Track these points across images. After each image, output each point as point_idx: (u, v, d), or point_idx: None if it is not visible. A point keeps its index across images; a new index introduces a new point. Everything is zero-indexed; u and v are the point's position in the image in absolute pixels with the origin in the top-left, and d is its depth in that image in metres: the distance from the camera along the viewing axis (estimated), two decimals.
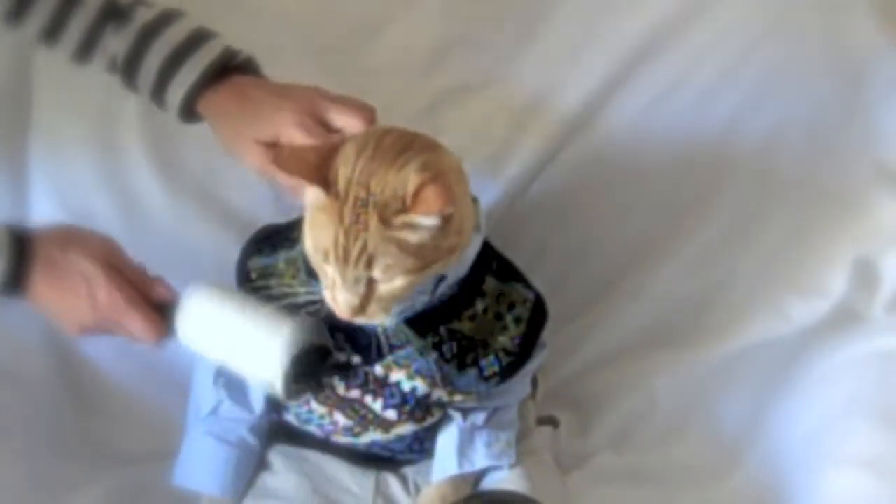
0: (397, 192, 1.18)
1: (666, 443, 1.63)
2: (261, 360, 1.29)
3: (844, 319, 1.68)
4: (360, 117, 1.31)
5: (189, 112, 1.41)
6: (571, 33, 1.68)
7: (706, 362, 1.69)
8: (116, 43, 1.41)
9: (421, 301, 1.30)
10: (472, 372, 1.34)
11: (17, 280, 1.30)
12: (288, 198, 1.37)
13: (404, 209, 1.17)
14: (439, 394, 1.36)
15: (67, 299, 1.32)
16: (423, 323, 1.32)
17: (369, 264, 1.18)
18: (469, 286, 1.32)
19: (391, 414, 1.37)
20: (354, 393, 1.36)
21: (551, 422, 1.59)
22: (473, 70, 1.67)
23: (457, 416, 1.40)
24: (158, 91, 1.41)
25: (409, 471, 1.46)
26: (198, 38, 1.40)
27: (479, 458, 1.40)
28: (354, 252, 1.18)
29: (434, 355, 1.32)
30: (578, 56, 1.67)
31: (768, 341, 1.69)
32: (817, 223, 1.71)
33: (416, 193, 1.17)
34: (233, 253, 1.47)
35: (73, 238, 1.35)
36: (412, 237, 1.18)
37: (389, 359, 1.33)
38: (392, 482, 1.46)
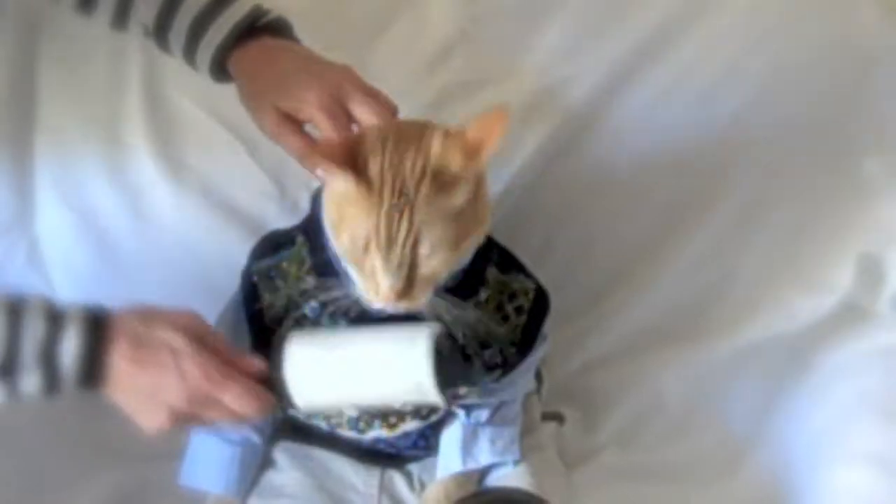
0: (439, 154, 1.20)
1: (672, 439, 1.62)
2: (409, 376, 1.23)
3: (850, 315, 1.68)
4: (381, 113, 1.31)
5: (220, 71, 1.41)
6: (576, 29, 1.69)
7: (712, 358, 1.69)
8: (147, 8, 1.41)
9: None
10: (476, 363, 1.34)
11: (95, 361, 1.20)
12: (296, 156, 1.36)
13: (465, 162, 1.20)
14: None
15: (153, 376, 1.21)
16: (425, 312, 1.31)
17: (416, 244, 1.19)
18: (471, 274, 1.32)
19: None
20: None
21: (557, 418, 1.58)
22: (478, 66, 1.68)
23: (460, 413, 1.40)
24: (189, 52, 1.41)
25: (414, 468, 1.46)
26: None
27: (484, 455, 1.39)
28: (401, 234, 1.18)
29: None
30: (583, 52, 1.68)
31: (774, 337, 1.68)
32: (822, 219, 1.70)
33: (473, 131, 1.20)
34: (238, 250, 1.46)
35: (155, 313, 1.27)
36: (462, 197, 1.20)
37: None
38: (397, 479, 1.46)
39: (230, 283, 1.46)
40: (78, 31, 1.62)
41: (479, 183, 1.24)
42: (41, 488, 1.50)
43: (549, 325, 1.42)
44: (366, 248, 1.20)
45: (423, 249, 1.20)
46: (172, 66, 1.49)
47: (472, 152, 1.20)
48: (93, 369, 1.20)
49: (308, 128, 1.36)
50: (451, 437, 1.40)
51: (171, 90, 1.67)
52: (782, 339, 1.68)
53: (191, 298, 1.62)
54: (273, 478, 1.46)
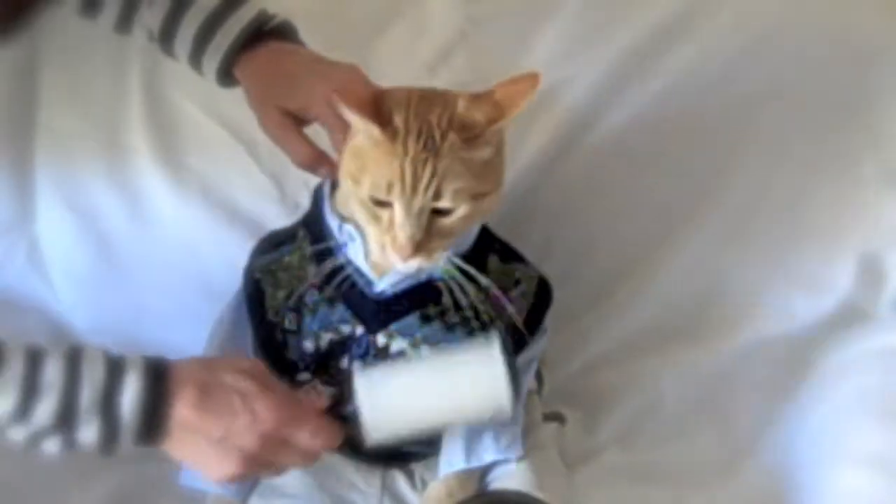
0: (465, 111, 1.23)
1: (673, 440, 1.62)
2: (487, 391, 1.23)
3: (850, 316, 1.68)
4: None
5: (227, 77, 1.42)
6: (576, 29, 1.68)
7: (713, 359, 1.69)
8: (152, 14, 1.41)
9: (425, 270, 1.30)
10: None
11: (157, 410, 1.15)
12: (295, 160, 1.38)
13: (491, 118, 1.22)
14: None
15: (224, 421, 1.17)
16: (426, 293, 1.33)
17: (438, 192, 1.20)
18: (472, 260, 1.32)
19: None
20: (357, 366, 1.35)
21: (558, 418, 1.58)
22: (478, 67, 1.67)
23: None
24: (195, 58, 1.41)
25: (416, 466, 1.46)
26: (232, 3, 1.40)
27: (488, 453, 1.39)
28: (424, 179, 1.20)
29: (438, 324, 1.33)
30: (583, 52, 1.68)
31: (774, 338, 1.68)
32: (822, 219, 1.70)
33: (501, 92, 1.24)
34: (238, 252, 1.47)
35: (216, 360, 1.29)
36: (482, 153, 1.22)
37: (393, 327, 1.33)
38: (399, 478, 1.46)
39: (230, 285, 1.46)
40: (79, 33, 1.62)
41: (499, 144, 1.26)
42: (42, 487, 1.50)
43: (550, 320, 1.43)
44: (389, 192, 1.21)
45: (445, 200, 1.21)
46: (173, 68, 1.49)
47: (499, 109, 1.23)
48: (154, 419, 1.16)
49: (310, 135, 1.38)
50: (453, 435, 1.40)
51: (172, 92, 1.67)
52: (782, 339, 1.68)
53: (191, 300, 1.64)
54: (274, 477, 1.45)
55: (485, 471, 1.42)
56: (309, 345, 1.36)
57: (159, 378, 1.16)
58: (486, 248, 1.37)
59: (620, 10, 1.68)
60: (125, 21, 1.44)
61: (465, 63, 1.68)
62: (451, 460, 1.40)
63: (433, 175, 1.20)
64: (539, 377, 1.56)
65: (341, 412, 1.23)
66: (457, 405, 1.24)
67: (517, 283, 1.39)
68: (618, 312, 1.72)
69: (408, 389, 1.24)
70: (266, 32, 1.41)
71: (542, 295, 1.41)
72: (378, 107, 1.23)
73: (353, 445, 1.42)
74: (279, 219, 1.57)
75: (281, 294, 1.37)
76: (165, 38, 1.42)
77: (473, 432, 1.39)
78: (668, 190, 1.71)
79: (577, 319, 1.71)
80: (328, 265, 1.31)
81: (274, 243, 1.43)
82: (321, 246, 1.33)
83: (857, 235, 1.69)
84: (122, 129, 1.67)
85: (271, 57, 1.40)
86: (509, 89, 1.23)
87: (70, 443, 1.15)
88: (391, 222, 1.22)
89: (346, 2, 1.69)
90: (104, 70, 1.66)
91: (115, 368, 1.16)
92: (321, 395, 1.25)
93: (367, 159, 1.23)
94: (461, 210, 1.22)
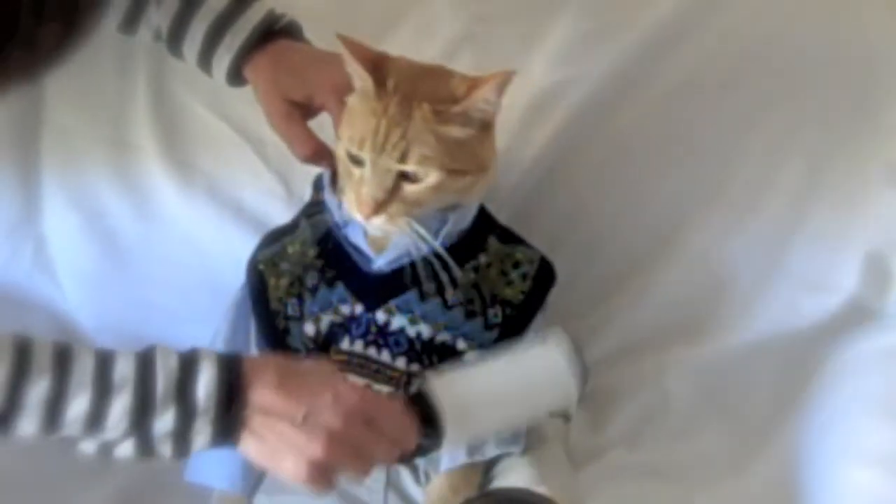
0: (451, 89, 1.29)
1: (679, 439, 1.62)
2: (554, 392, 1.27)
3: (856, 315, 1.67)
4: None
5: (236, 77, 1.43)
6: (582, 29, 1.68)
7: (719, 358, 1.68)
8: (160, 14, 1.42)
9: (422, 247, 1.32)
10: (478, 321, 1.37)
11: (233, 394, 1.13)
12: (297, 152, 1.40)
13: (462, 98, 1.28)
14: (444, 337, 1.37)
15: (305, 399, 1.13)
16: (424, 269, 1.35)
17: (404, 155, 1.25)
18: (471, 238, 1.36)
19: (401, 363, 1.37)
20: (358, 346, 1.37)
21: (562, 415, 1.58)
22: (483, 68, 1.66)
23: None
24: (205, 58, 1.43)
25: (420, 462, 1.46)
26: (241, 3, 1.42)
27: (489, 447, 1.39)
28: (392, 139, 1.25)
29: (437, 300, 1.35)
30: (589, 52, 1.68)
31: (780, 337, 1.68)
32: (829, 218, 1.70)
33: (481, 80, 1.28)
34: (244, 250, 1.48)
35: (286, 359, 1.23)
36: (455, 132, 1.28)
37: (392, 304, 1.35)
38: (404, 474, 1.45)
39: (237, 283, 1.47)
40: None
41: (483, 129, 1.31)
42: (47, 485, 1.50)
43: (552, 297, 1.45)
44: (361, 147, 1.26)
45: (410, 163, 1.25)
46: (180, 66, 1.50)
47: (469, 90, 1.28)
48: (232, 403, 1.13)
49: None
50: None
51: (179, 90, 1.67)
52: (789, 338, 1.67)
53: (197, 298, 1.65)
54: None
55: (488, 465, 1.42)
56: (310, 328, 1.38)
57: (234, 366, 1.14)
58: (486, 229, 1.40)
59: (626, 9, 1.69)
60: (131, 21, 1.44)
61: (471, 63, 1.67)
62: (454, 455, 1.40)
63: (402, 137, 1.25)
64: None
65: (421, 415, 1.21)
66: (531, 402, 1.28)
67: (517, 264, 1.40)
68: (624, 311, 1.72)
69: (484, 389, 1.25)
70: (275, 32, 1.43)
71: (544, 275, 1.42)
72: (378, 65, 1.29)
73: None
74: (286, 217, 1.57)
75: (284, 282, 1.39)
76: (174, 38, 1.43)
77: None
78: (673, 189, 1.71)
79: (583, 318, 1.71)
80: (322, 225, 1.37)
81: (276, 237, 1.46)
82: (320, 230, 1.36)
83: (863, 234, 1.69)
84: (128, 127, 1.67)
85: (279, 53, 1.42)
86: (487, 77, 1.28)
87: (145, 442, 1.13)
88: (361, 179, 1.27)
89: (353, 2, 1.69)
90: (111, 69, 1.66)
91: (188, 358, 1.15)
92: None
93: (353, 114, 1.30)
94: (429, 179, 1.27)
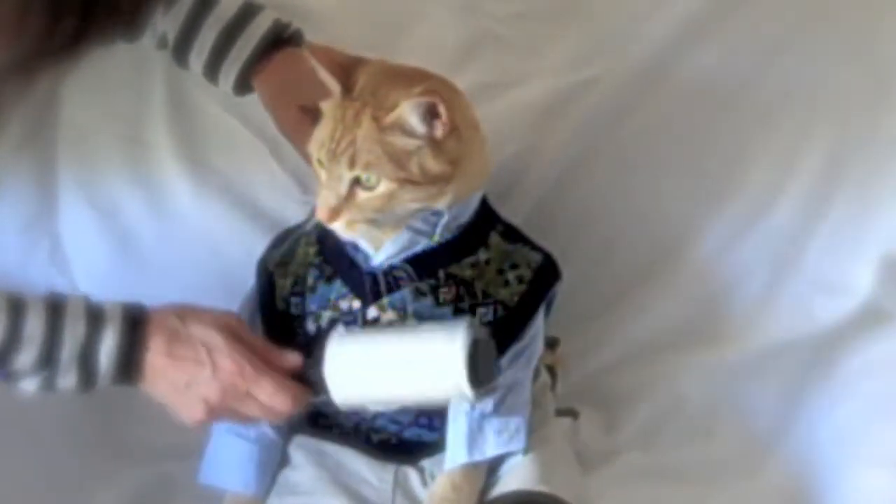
0: (398, 99, 1.26)
1: (693, 441, 1.63)
2: (444, 372, 1.26)
3: (871, 318, 1.67)
4: None
5: (243, 86, 1.45)
6: (598, 30, 1.69)
7: (733, 359, 1.69)
8: (167, 21, 1.43)
9: (421, 242, 1.33)
10: (469, 319, 1.35)
11: (131, 359, 1.26)
12: (308, 160, 1.39)
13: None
14: None
15: (188, 370, 1.28)
16: (422, 266, 1.34)
17: (353, 161, 1.25)
18: (472, 234, 1.36)
19: None
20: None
21: (571, 414, 1.58)
22: (499, 68, 1.67)
23: (465, 403, 1.40)
24: (212, 68, 1.44)
25: (426, 463, 1.46)
26: (248, 13, 1.43)
27: (490, 447, 1.39)
28: (343, 145, 1.26)
29: (429, 299, 1.34)
30: (605, 53, 1.68)
31: (795, 339, 1.68)
32: (844, 220, 1.70)
33: (413, 95, 1.26)
34: (260, 250, 1.48)
35: (191, 311, 1.33)
36: (398, 141, 1.26)
37: (385, 300, 1.35)
38: (411, 475, 1.45)
39: (251, 282, 1.47)
40: None
41: (439, 145, 1.27)
42: (61, 487, 1.51)
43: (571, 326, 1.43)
44: (319, 150, 1.28)
45: (357, 170, 1.25)
46: None
47: (431, 105, 1.25)
48: (128, 368, 1.27)
49: None
50: (456, 430, 1.40)
51: (194, 90, 1.66)
52: (803, 340, 1.68)
53: (212, 297, 1.63)
54: (289, 476, 1.46)
55: (493, 465, 1.42)
56: (311, 325, 1.38)
57: (136, 326, 1.27)
58: (489, 225, 1.39)
59: (644, 11, 1.68)
60: (136, 28, 1.45)
61: (488, 62, 1.68)
62: (455, 455, 1.40)
63: (350, 143, 1.25)
64: (553, 374, 1.56)
65: (310, 376, 1.30)
66: (414, 381, 1.29)
67: (515, 265, 1.39)
68: (637, 313, 1.72)
69: (370, 359, 1.30)
70: (282, 41, 1.44)
71: (543, 278, 1.41)
72: (347, 71, 1.30)
73: (366, 438, 1.44)
74: (300, 216, 1.57)
75: (289, 282, 1.40)
76: (181, 47, 1.44)
77: (476, 426, 1.39)
78: (687, 191, 1.71)
79: (597, 320, 1.71)
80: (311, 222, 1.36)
81: (287, 237, 1.46)
82: (324, 231, 1.35)
83: (878, 236, 1.69)
84: (144, 126, 1.67)
85: (286, 61, 1.44)
86: (425, 94, 1.26)
87: (48, 387, 1.26)
88: (321, 183, 1.29)
89: (371, 1, 1.69)
90: (126, 67, 1.65)
91: (95, 321, 1.26)
92: (295, 357, 1.32)
93: (323, 118, 1.30)
94: (381, 188, 1.26)
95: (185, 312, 1.31)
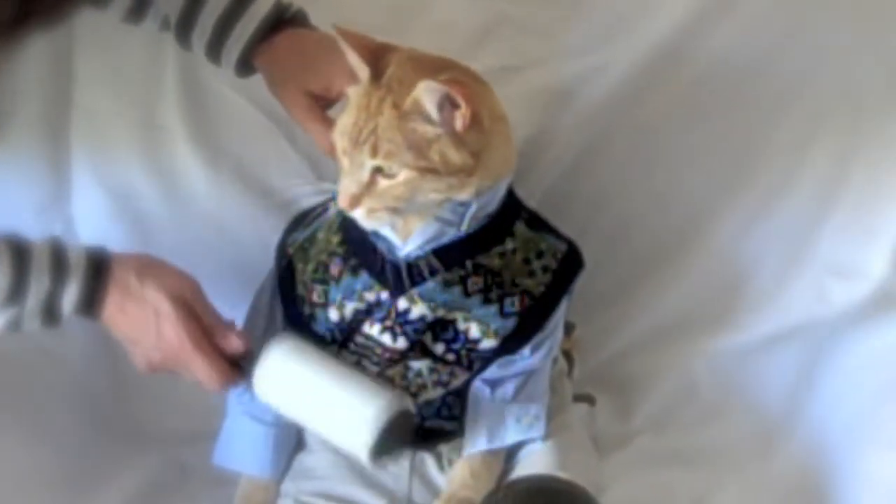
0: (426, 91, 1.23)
1: (706, 425, 1.63)
2: (350, 428, 1.29)
3: (884, 302, 1.66)
4: None
5: (245, 66, 1.44)
6: (615, 12, 1.68)
7: (746, 343, 1.69)
8: (168, 3, 1.42)
9: (449, 232, 1.32)
10: (493, 307, 1.35)
11: (92, 302, 1.30)
12: (319, 146, 1.40)
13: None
14: (455, 315, 1.36)
15: (134, 329, 1.32)
16: (450, 256, 1.34)
17: (375, 150, 1.24)
18: (499, 223, 1.35)
19: (402, 343, 1.36)
20: (375, 330, 1.36)
21: (588, 399, 1.59)
22: (515, 50, 1.67)
23: (485, 389, 1.40)
24: (214, 48, 1.43)
25: (443, 448, 1.46)
26: None
27: (510, 434, 1.40)
28: (365, 133, 1.24)
29: (458, 289, 1.34)
30: (619, 38, 1.67)
31: (808, 323, 1.68)
32: (857, 205, 1.69)
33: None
34: (273, 233, 1.49)
35: (152, 269, 1.34)
36: (418, 128, 1.24)
37: (414, 291, 1.34)
38: (428, 460, 1.46)
39: (265, 266, 1.48)
40: None
41: (460, 136, 1.26)
42: (77, 472, 1.51)
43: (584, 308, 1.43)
44: (342, 137, 1.27)
45: (379, 158, 1.24)
46: None
47: (451, 94, 1.22)
48: (88, 313, 1.31)
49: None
50: (476, 416, 1.41)
51: (207, 73, 1.65)
52: (816, 324, 1.68)
53: (225, 281, 1.64)
54: (304, 460, 1.47)
55: (510, 452, 1.43)
56: (334, 315, 1.38)
57: (97, 276, 1.30)
58: (514, 214, 1.38)
59: None
60: (138, 10, 1.45)
61: (504, 44, 1.67)
62: (474, 441, 1.40)
63: (372, 132, 1.24)
64: (569, 359, 1.56)
65: (244, 367, 1.33)
66: (326, 422, 1.32)
67: (540, 254, 1.38)
68: (651, 299, 1.73)
69: (297, 382, 1.32)
70: (285, 21, 1.43)
71: (568, 268, 1.41)
72: (377, 56, 1.28)
73: None
74: (313, 199, 1.57)
75: (310, 267, 1.39)
76: (183, 28, 1.43)
77: (496, 413, 1.40)
78: (701, 177, 1.71)
79: (611, 306, 1.72)
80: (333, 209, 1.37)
81: (306, 220, 1.45)
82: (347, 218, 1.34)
83: (891, 221, 1.68)
84: (157, 109, 1.67)
85: (290, 42, 1.42)
86: (445, 81, 1.23)
87: (13, 327, 1.30)
88: (343, 171, 1.28)
89: None
90: (139, 50, 1.65)
91: (59, 272, 1.29)
92: (242, 340, 1.34)
93: (348, 105, 1.29)
94: (402, 176, 1.25)
95: (145, 270, 1.33)
